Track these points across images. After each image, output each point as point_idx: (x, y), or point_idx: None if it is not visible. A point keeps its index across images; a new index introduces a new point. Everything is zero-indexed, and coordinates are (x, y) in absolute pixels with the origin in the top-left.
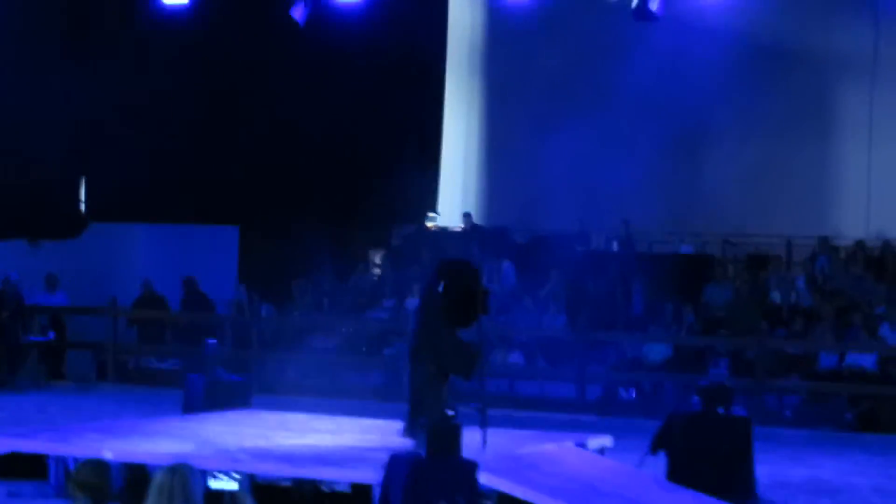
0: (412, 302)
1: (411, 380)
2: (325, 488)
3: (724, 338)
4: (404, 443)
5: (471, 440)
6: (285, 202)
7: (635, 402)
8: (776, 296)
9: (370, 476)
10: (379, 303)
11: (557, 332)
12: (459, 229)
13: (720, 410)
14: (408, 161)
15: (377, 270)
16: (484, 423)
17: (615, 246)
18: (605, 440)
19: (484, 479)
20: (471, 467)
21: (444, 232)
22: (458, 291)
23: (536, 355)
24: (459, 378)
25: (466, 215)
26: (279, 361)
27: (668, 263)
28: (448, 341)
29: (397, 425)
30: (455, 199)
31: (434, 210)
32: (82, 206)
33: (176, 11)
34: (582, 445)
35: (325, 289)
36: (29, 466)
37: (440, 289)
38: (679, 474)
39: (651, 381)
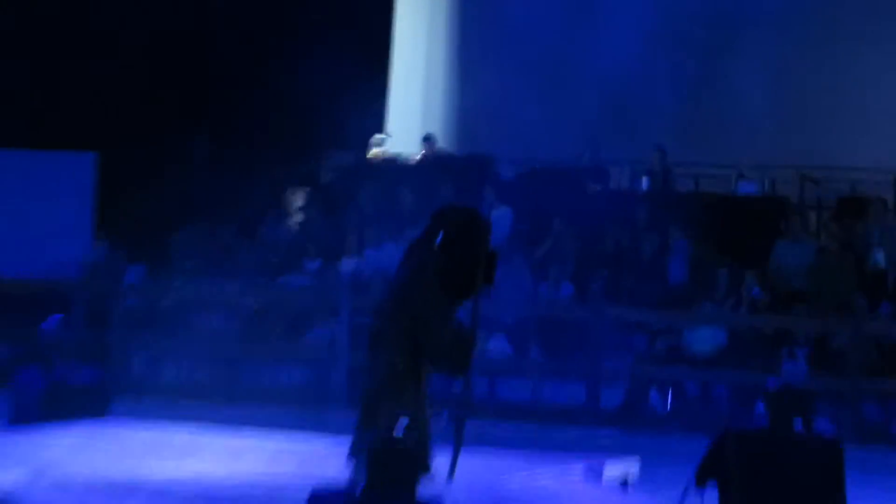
0: (348, 264)
1: (369, 376)
2: None
3: (802, 318)
4: (340, 471)
5: (438, 464)
6: (164, 120)
7: (673, 411)
8: (880, 257)
9: None
10: (299, 264)
11: (560, 309)
12: (418, 159)
13: (797, 425)
14: (344, 65)
15: (298, 218)
16: (457, 441)
17: (645, 184)
18: (630, 466)
19: None
20: None
21: (395, 163)
22: (462, 250)
23: (529, 342)
24: (450, 374)
25: (428, 139)
26: (152, 350)
27: (721, 210)
28: (446, 321)
29: (323, 445)
30: (412, 116)
31: (381, 131)
32: None
33: None
34: (595, 474)
35: (221, 244)
36: None
37: (437, 242)
38: None
39: (696, 380)
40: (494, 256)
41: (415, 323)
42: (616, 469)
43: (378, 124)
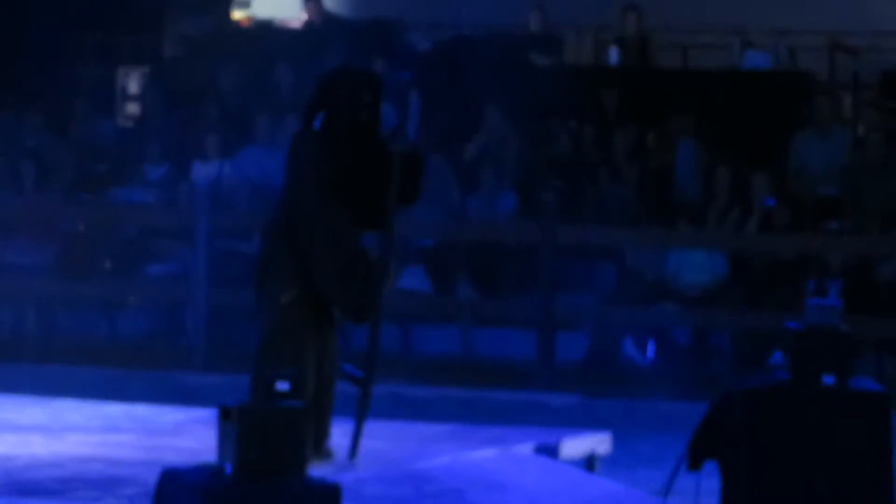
0: (204, 169)
1: (261, 321)
2: None
3: (834, 238)
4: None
5: (336, 441)
6: None
7: (655, 366)
8: None
9: None
10: (137, 173)
11: (499, 231)
12: (299, 24)
13: (827, 380)
14: None
15: (132, 109)
16: (361, 409)
17: (615, 56)
18: (598, 442)
19: None
20: (327, 497)
21: (268, 29)
22: (350, 136)
23: (456, 276)
24: (349, 319)
25: None
26: None
27: (721, 90)
28: (335, 242)
29: (176, 417)
30: None
31: None
32: None
33: None
34: (549, 453)
35: (27, 147)
36: None
37: (317, 125)
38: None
39: (687, 325)
40: (417, 159)
41: (300, 246)
42: (578, 446)
43: None
